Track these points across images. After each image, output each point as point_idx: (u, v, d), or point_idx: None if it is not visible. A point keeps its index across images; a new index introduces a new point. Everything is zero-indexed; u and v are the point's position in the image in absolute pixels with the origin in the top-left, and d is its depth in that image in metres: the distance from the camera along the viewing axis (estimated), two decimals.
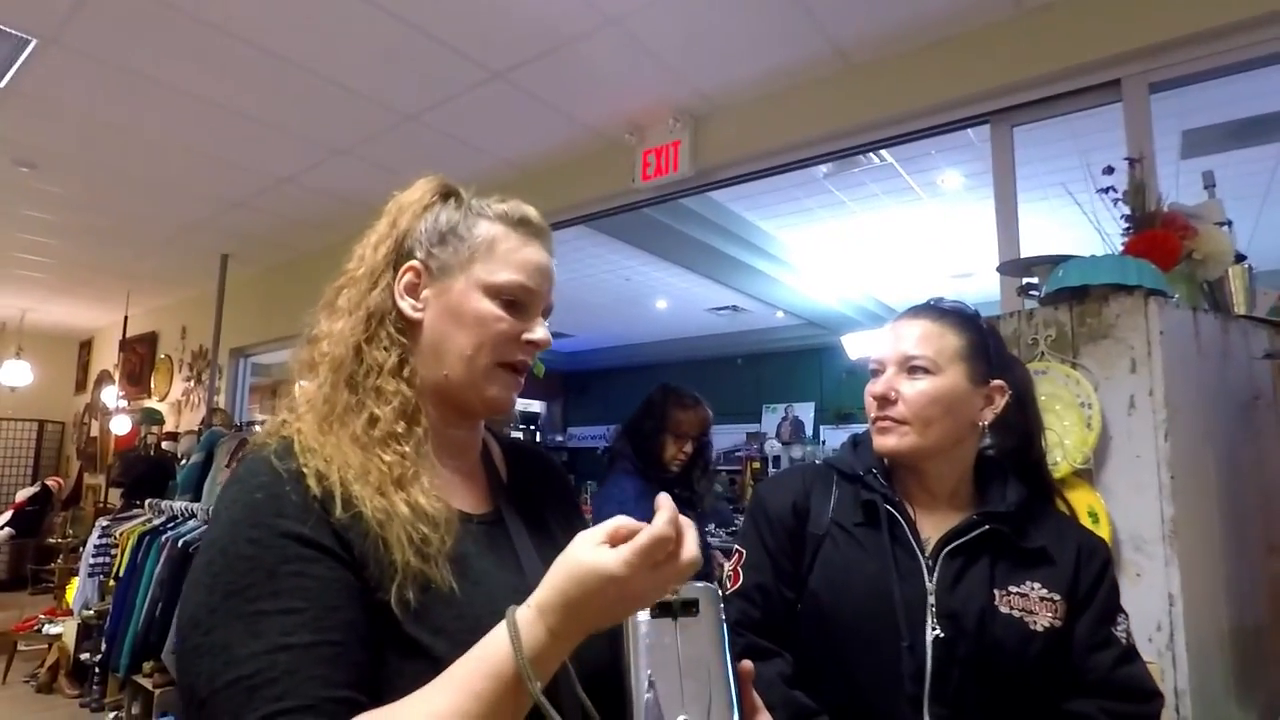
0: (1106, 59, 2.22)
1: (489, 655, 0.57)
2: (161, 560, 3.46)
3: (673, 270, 5.86)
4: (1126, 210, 1.92)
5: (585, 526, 0.90)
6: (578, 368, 10.55)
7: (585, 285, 6.66)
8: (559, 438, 10.81)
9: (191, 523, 3.56)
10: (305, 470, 0.66)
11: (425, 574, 0.64)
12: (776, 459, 8.25)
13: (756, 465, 8.36)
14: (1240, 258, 1.87)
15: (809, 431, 8.48)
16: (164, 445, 5.54)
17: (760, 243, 5.15)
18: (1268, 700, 1.60)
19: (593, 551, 0.58)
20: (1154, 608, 1.51)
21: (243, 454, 0.71)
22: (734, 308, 7.26)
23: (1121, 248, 1.86)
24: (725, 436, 9.20)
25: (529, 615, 0.58)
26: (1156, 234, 1.79)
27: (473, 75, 2.84)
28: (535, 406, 10.74)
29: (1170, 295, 1.69)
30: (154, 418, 6.01)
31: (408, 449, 0.71)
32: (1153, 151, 2.10)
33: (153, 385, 6.65)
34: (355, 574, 0.63)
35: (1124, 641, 0.98)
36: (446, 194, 0.82)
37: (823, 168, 3.86)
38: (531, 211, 0.81)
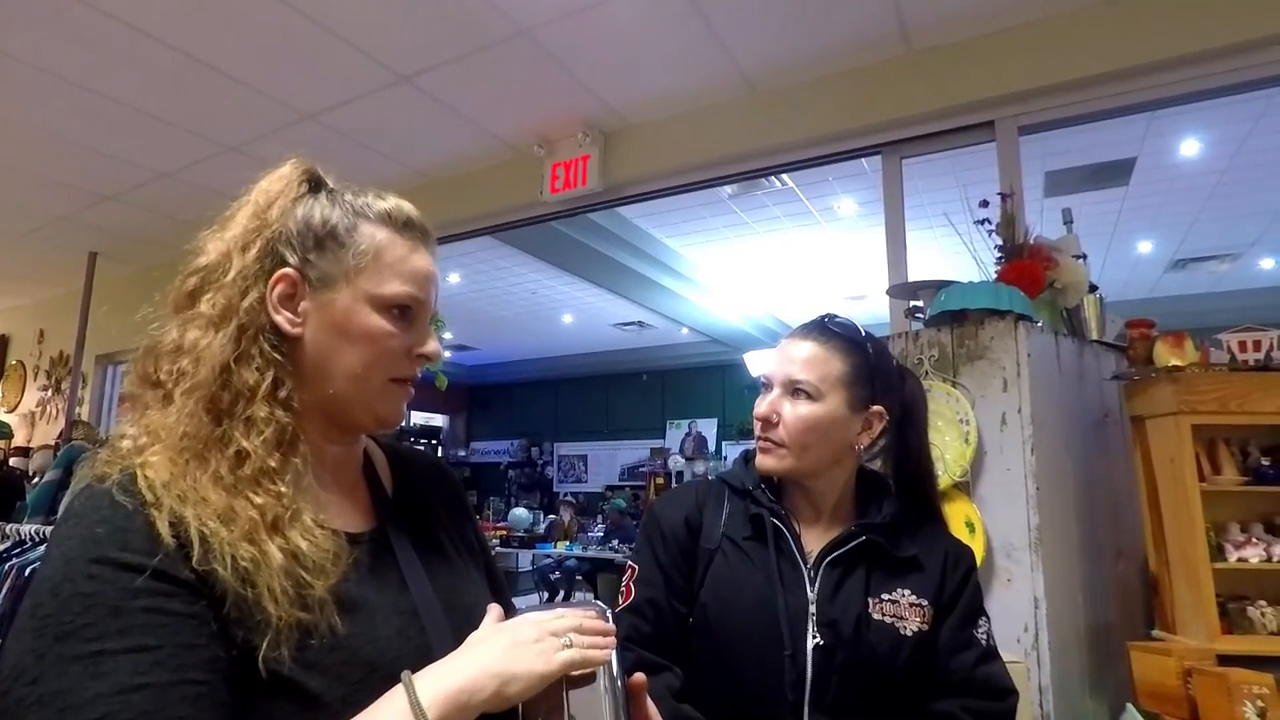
0: (983, 101, 2.42)
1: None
2: (3, 591, 3.10)
3: (579, 285, 5.87)
4: (999, 241, 2.09)
5: (478, 535, 0.88)
6: (481, 381, 10.34)
7: (491, 298, 6.56)
8: (462, 452, 10.54)
9: (41, 548, 3.22)
10: (155, 513, 0.57)
11: (304, 623, 0.58)
12: (680, 474, 8.36)
13: (660, 480, 8.45)
14: (1093, 288, 2.06)
15: (712, 447, 8.65)
16: (12, 461, 4.99)
17: (667, 260, 5.24)
18: (1115, 691, 1.76)
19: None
20: (1022, 610, 1.63)
21: (79, 486, 0.61)
22: (640, 324, 7.34)
23: (995, 275, 2.01)
24: (630, 452, 9.26)
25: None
26: (1024, 264, 1.95)
27: (378, 77, 2.75)
28: (437, 420, 10.44)
29: (1036, 320, 1.84)
30: (0, 431, 5.42)
31: (284, 487, 0.63)
32: (1021, 189, 2.29)
33: (1, 394, 6.00)
34: (216, 613, 0.56)
35: (984, 643, 1.05)
36: (314, 183, 0.74)
37: (728, 189, 3.98)
38: (414, 211, 0.74)
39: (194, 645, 0.54)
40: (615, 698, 0.64)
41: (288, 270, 0.69)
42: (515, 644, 0.60)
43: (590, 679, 0.63)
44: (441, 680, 0.57)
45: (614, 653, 0.65)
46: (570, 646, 0.61)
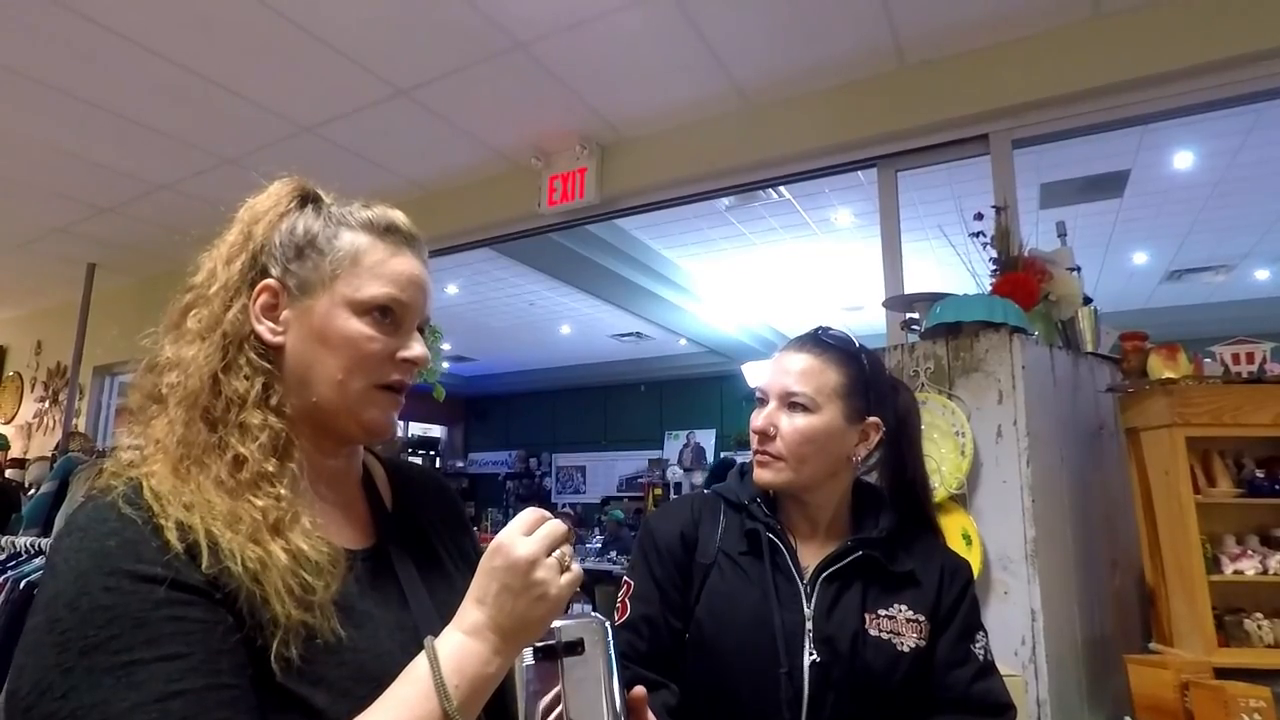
0: (977, 115, 2.43)
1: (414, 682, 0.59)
2: None
3: (577, 296, 5.88)
4: (994, 253, 2.10)
5: (476, 550, 0.88)
6: (479, 392, 10.32)
7: (489, 309, 6.57)
8: (460, 463, 10.52)
9: (37, 560, 3.19)
10: (163, 522, 0.57)
11: (309, 625, 0.58)
12: (678, 485, 8.34)
13: (659, 491, 8.42)
14: (1088, 300, 2.07)
15: (710, 458, 8.63)
16: (8, 473, 4.97)
17: (665, 271, 5.25)
18: (1113, 704, 1.75)
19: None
20: (1019, 623, 1.63)
21: (83, 498, 0.61)
22: (637, 334, 7.35)
23: (990, 288, 2.02)
24: (628, 462, 9.24)
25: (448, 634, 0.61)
26: (1019, 276, 1.96)
27: (376, 90, 2.77)
28: (435, 431, 10.42)
29: (1031, 333, 1.85)
30: None
31: (283, 490, 0.64)
32: (1015, 201, 2.30)
33: None
34: (234, 617, 0.57)
35: (981, 658, 1.04)
36: (305, 199, 0.75)
37: (725, 201, 4.00)
38: (400, 217, 0.74)
39: (221, 651, 0.55)
40: (610, 668, 0.64)
41: (269, 281, 0.70)
42: (515, 600, 0.61)
43: (579, 648, 0.64)
44: (464, 663, 0.60)
45: (603, 624, 0.66)
46: (564, 569, 0.63)
